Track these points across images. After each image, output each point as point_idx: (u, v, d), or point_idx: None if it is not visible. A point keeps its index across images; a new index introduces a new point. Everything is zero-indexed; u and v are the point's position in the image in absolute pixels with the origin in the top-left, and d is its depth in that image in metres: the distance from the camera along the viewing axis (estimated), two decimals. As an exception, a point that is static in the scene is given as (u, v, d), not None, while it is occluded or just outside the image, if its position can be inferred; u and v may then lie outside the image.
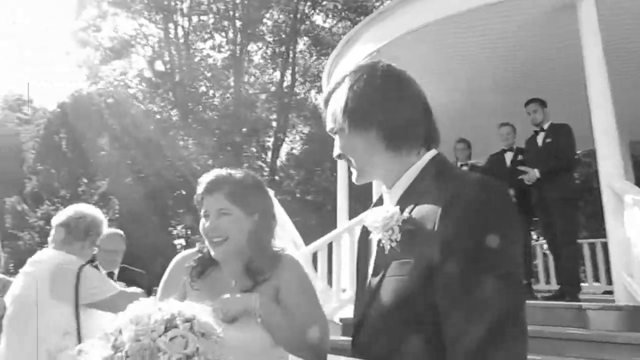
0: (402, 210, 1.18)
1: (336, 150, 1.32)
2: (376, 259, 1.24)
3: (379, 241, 1.21)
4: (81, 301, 2.62)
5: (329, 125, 1.33)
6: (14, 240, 13.80)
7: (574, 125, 5.47)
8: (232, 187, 1.71)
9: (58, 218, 2.91)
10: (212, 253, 1.71)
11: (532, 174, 5.43)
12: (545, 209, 5.47)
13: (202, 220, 1.73)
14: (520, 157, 6.03)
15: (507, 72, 6.69)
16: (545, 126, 5.63)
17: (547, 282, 8.56)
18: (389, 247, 1.17)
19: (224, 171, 1.78)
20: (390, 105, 1.24)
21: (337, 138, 1.31)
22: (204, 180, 1.75)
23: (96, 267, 3.40)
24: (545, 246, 6.55)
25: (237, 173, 1.78)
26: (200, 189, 1.74)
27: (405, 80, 1.30)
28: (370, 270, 1.26)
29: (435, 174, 1.20)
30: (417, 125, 1.26)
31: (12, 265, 12.46)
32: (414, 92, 1.29)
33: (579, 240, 7.84)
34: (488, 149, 7.69)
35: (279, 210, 1.91)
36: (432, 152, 1.26)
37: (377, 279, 1.20)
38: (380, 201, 1.36)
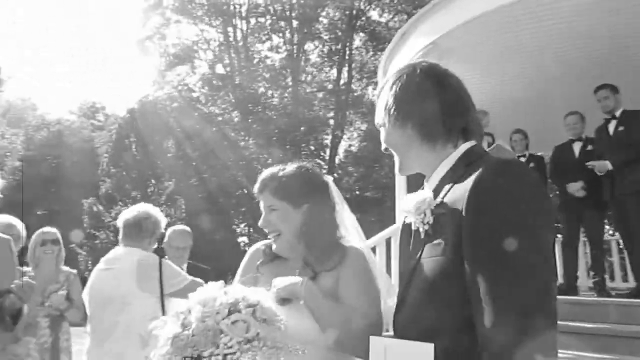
0: (435, 196, 1.25)
1: (382, 144, 1.42)
2: (413, 242, 1.32)
3: (415, 225, 1.28)
4: (165, 291, 2.93)
5: (376, 120, 1.43)
6: (92, 239, 14.70)
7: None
8: (277, 183, 1.76)
9: (127, 218, 3.17)
10: (274, 246, 1.79)
11: (603, 166, 5.18)
12: (619, 203, 5.17)
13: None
14: (589, 147, 5.75)
15: (572, 59, 6.36)
16: (617, 113, 5.32)
17: (625, 279, 8.07)
18: (422, 230, 1.24)
19: (273, 169, 1.83)
20: (424, 102, 1.32)
21: (382, 132, 1.41)
22: (258, 179, 1.83)
23: None
24: (621, 241, 6.20)
25: (285, 169, 1.81)
26: (255, 189, 1.82)
27: (442, 78, 1.37)
28: (411, 255, 1.33)
29: (468, 163, 1.25)
30: (452, 119, 1.32)
31: (90, 262, 13.29)
32: (450, 89, 1.35)
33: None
34: (550, 139, 7.38)
35: (344, 205, 1.87)
36: (469, 144, 1.32)
37: (414, 261, 1.27)
38: None
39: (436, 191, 1.27)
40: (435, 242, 1.19)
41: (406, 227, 1.42)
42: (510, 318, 1.01)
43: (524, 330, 1.00)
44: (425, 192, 1.28)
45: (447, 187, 1.24)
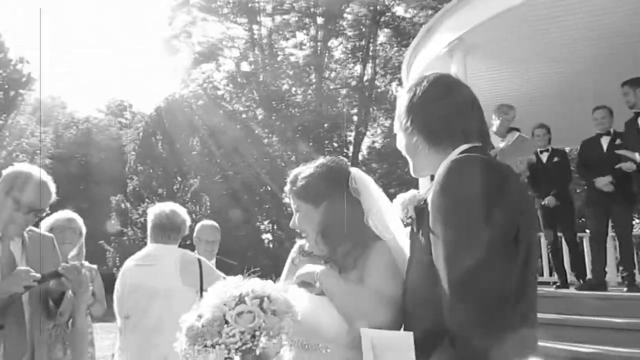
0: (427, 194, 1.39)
1: (399, 148, 1.58)
2: (410, 237, 1.48)
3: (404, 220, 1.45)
4: (204, 286, 2.99)
5: (395, 125, 1.58)
6: (119, 236, 15.00)
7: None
8: (298, 185, 1.79)
9: (158, 216, 3.25)
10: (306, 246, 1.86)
11: (629, 166, 5.13)
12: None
13: None
14: (618, 142, 5.62)
15: (599, 53, 6.23)
16: (647, 109, 5.22)
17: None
18: (413, 224, 1.40)
19: (296, 170, 1.86)
20: (430, 110, 1.45)
21: (398, 138, 1.57)
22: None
23: None
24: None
25: (308, 169, 1.82)
26: (285, 190, 1.87)
27: (448, 87, 1.50)
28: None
29: None
30: (456, 125, 1.43)
31: (118, 258, 13.58)
32: (455, 96, 1.48)
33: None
34: (577, 134, 7.23)
35: (371, 195, 1.80)
36: (466, 145, 1.40)
37: (409, 254, 1.45)
38: None
39: (429, 189, 1.40)
40: (419, 234, 1.35)
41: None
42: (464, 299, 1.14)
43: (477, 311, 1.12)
44: (414, 191, 1.45)
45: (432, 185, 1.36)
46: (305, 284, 1.67)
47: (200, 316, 1.47)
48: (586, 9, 5.28)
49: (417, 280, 1.37)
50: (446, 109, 1.45)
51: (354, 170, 1.82)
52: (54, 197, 2.52)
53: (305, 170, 1.82)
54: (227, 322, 1.42)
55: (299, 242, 1.98)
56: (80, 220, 3.72)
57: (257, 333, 1.41)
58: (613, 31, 5.73)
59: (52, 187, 2.51)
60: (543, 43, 6.03)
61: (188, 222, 3.41)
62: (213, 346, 1.40)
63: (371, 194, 1.80)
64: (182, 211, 3.38)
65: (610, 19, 5.47)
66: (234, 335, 1.39)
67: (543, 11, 5.32)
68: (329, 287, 1.62)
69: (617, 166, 5.23)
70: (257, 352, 1.43)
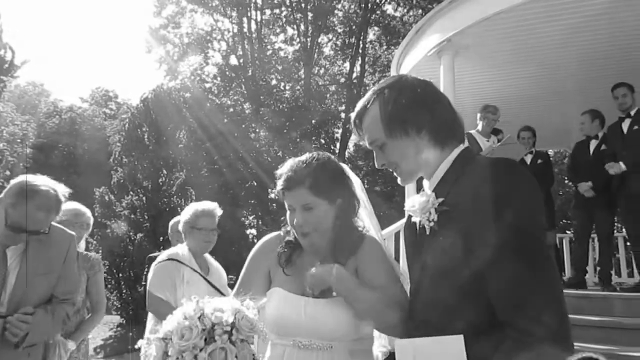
0: (437, 196, 1.36)
1: (380, 160, 1.48)
2: (419, 238, 1.42)
3: (420, 223, 1.39)
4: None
5: (369, 139, 1.48)
6: (103, 228, 14.84)
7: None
8: (313, 180, 1.67)
9: (183, 219, 3.34)
10: (302, 242, 1.75)
11: (617, 168, 5.16)
12: (628, 200, 5.19)
13: (288, 213, 1.75)
14: (603, 147, 5.72)
15: (585, 58, 6.33)
16: (632, 112, 5.30)
17: (631, 274, 8.05)
18: (428, 227, 1.35)
19: (301, 163, 1.72)
20: (432, 106, 1.42)
21: (377, 150, 1.48)
22: (282, 174, 1.72)
23: None
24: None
25: (315, 162, 1.72)
26: (279, 185, 1.71)
27: (434, 86, 1.48)
28: (417, 250, 1.44)
29: (464, 163, 1.38)
30: (456, 125, 1.45)
31: (101, 250, 13.42)
32: (444, 96, 1.47)
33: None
34: (564, 137, 7.32)
35: (360, 189, 1.85)
36: (462, 146, 1.43)
37: (423, 257, 1.38)
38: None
39: (437, 190, 1.38)
40: (442, 236, 1.30)
41: (410, 225, 1.52)
42: (552, 302, 1.15)
43: (562, 313, 1.15)
44: (428, 193, 1.39)
45: (447, 186, 1.36)
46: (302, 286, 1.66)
47: (165, 352, 1.42)
48: (571, 15, 5.36)
49: (436, 282, 1.32)
50: (447, 108, 1.45)
51: (346, 167, 1.84)
52: (49, 215, 2.49)
53: (309, 163, 1.71)
54: None
55: (266, 239, 1.90)
56: (88, 213, 3.63)
57: None
58: (597, 37, 5.83)
59: (50, 204, 2.47)
60: (529, 46, 6.11)
61: None
62: None
63: (359, 190, 1.84)
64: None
65: (594, 25, 5.56)
66: None
67: (530, 15, 5.39)
68: (344, 290, 1.59)
69: (605, 167, 5.27)
70: None
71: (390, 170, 1.49)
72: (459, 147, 1.42)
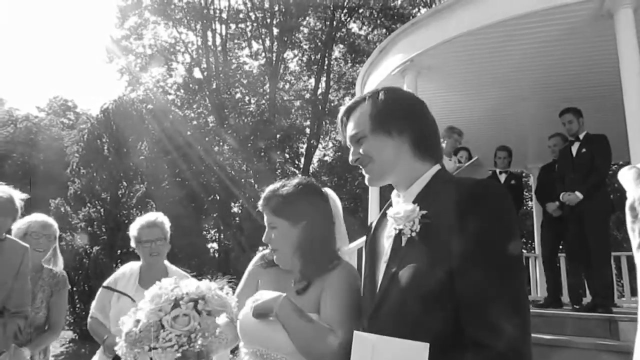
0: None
1: (355, 155, 1.48)
2: (393, 249, 1.39)
3: (399, 233, 1.36)
4: None
5: (352, 131, 1.49)
6: (58, 240, 14.30)
7: (612, 137, 5.38)
8: (276, 201, 1.79)
9: (131, 235, 3.30)
10: (273, 258, 1.85)
11: (575, 197, 5.34)
12: (579, 221, 5.38)
13: None
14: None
15: (543, 82, 6.62)
16: (581, 136, 5.56)
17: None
18: (408, 236, 1.33)
19: (273, 186, 1.87)
20: (419, 117, 1.45)
21: (354, 145, 1.48)
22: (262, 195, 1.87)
23: None
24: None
25: (285, 185, 1.84)
26: (259, 205, 1.87)
27: (425, 106, 1.50)
28: (384, 262, 1.41)
29: (443, 182, 1.39)
30: (437, 141, 1.49)
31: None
32: (432, 116, 1.49)
33: (616, 253, 7.65)
34: (523, 158, 7.54)
35: (340, 214, 1.90)
36: (439, 165, 1.45)
37: (394, 267, 1.35)
38: (389, 206, 1.52)
39: (416, 202, 1.38)
40: (420, 248, 1.30)
41: (374, 237, 1.53)
42: (514, 315, 1.16)
43: (524, 327, 1.16)
44: (412, 204, 1.37)
45: (427, 201, 1.36)
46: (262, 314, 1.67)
47: (138, 321, 1.52)
48: (526, 41, 5.60)
49: (406, 293, 1.29)
50: (432, 121, 1.48)
51: (329, 191, 1.91)
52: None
53: (281, 187, 1.83)
54: (163, 326, 1.47)
55: (260, 254, 2.00)
56: (55, 225, 3.52)
57: (193, 335, 1.47)
58: (554, 63, 6.10)
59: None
60: (489, 69, 6.33)
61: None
62: (150, 350, 1.45)
63: (340, 213, 1.90)
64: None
65: (547, 52, 5.82)
66: (170, 340, 1.45)
67: (488, 40, 5.59)
68: (286, 323, 1.60)
69: (564, 201, 5.47)
70: (197, 350, 1.48)
71: (361, 167, 1.48)
72: (437, 166, 1.44)
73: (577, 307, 5.62)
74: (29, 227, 3.36)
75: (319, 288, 1.70)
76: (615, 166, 10.35)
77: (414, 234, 1.32)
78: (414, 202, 1.37)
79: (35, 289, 3.26)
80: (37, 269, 3.35)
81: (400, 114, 1.43)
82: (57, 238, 3.55)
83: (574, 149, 5.58)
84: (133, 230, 3.29)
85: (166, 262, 3.39)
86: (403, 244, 1.34)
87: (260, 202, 1.85)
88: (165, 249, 3.31)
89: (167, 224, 3.35)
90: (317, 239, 1.77)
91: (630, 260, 8.14)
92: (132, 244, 3.33)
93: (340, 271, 1.73)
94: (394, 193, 1.51)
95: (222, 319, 1.62)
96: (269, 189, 1.87)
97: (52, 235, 3.48)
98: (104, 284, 3.30)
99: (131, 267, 3.33)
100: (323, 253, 1.76)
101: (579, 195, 5.31)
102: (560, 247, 6.58)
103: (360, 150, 1.46)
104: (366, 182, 1.50)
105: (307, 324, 1.60)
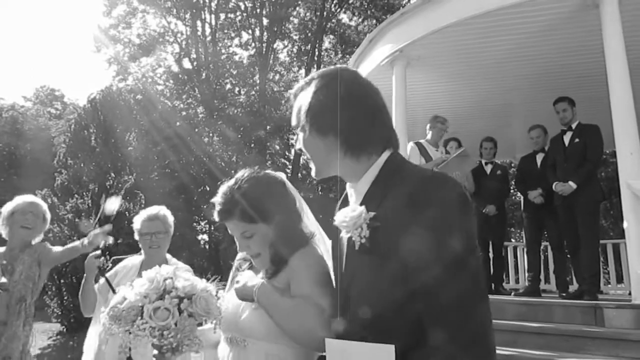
0: (367, 209, 1.27)
1: (298, 145, 1.44)
2: (348, 254, 1.34)
3: (349, 238, 1.30)
4: None
5: (294, 121, 1.44)
6: (45, 232, 14.16)
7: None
8: (242, 209, 1.64)
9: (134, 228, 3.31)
10: (254, 263, 1.75)
11: (568, 188, 5.37)
12: (569, 209, 5.44)
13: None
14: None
15: (530, 73, 6.65)
16: (573, 126, 5.57)
17: (547, 281, 8.47)
18: (359, 243, 1.26)
19: (229, 191, 1.69)
20: (349, 115, 1.32)
21: (300, 136, 1.42)
22: (216, 204, 1.70)
23: None
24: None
25: (244, 185, 1.68)
26: (215, 215, 1.69)
27: (364, 90, 1.38)
28: (344, 262, 1.37)
29: (392, 173, 1.31)
30: (374, 132, 1.35)
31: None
32: (372, 101, 1.37)
33: (602, 241, 7.75)
34: (511, 148, 7.57)
35: (299, 196, 1.82)
36: (387, 153, 1.35)
37: (351, 272, 1.33)
38: (346, 197, 1.46)
39: (366, 203, 1.30)
40: (372, 253, 1.24)
41: (339, 239, 1.45)
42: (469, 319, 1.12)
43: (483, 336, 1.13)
44: (359, 207, 1.29)
45: (376, 198, 1.28)
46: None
47: (125, 298, 1.51)
48: (514, 31, 5.63)
49: (362, 300, 1.27)
50: (368, 112, 1.35)
51: (283, 176, 1.83)
52: None
53: (237, 190, 1.67)
54: (142, 314, 1.47)
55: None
56: (44, 206, 3.53)
57: (166, 332, 1.45)
58: (542, 53, 6.13)
59: None
60: (477, 59, 6.35)
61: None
62: (125, 333, 1.48)
63: (298, 194, 1.83)
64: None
65: (535, 42, 5.85)
66: (144, 330, 1.45)
67: (476, 30, 5.61)
68: (269, 307, 1.58)
69: (555, 189, 5.49)
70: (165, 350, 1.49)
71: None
72: (384, 156, 1.35)
73: (564, 294, 5.69)
74: (16, 205, 3.40)
75: (286, 273, 1.66)
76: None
77: (364, 240, 1.25)
78: (362, 203, 1.30)
79: (15, 264, 3.28)
80: (23, 247, 3.38)
81: (328, 112, 1.32)
82: (46, 220, 3.56)
83: (567, 139, 5.59)
84: (136, 222, 3.32)
85: (168, 256, 3.41)
86: (356, 248, 1.28)
87: (220, 214, 1.67)
88: (166, 242, 3.35)
89: (170, 217, 3.39)
90: (291, 228, 1.71)
91: (616, 248, 8.28)
92: (136, 236, 3.35)
93: (303, 256, 1.67)
94: (348, 184, 1.44)
95: (207, 324, 1.59)
96: (224, 196, 1.69)
97: (40, 214, 3.49)
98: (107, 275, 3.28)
99: (132, 260, 3.36)
100: (296, 242, 1.70)
101: (572, 185, 5.34)
102: (545, 235, 6.66)
103: (300, 143, 1.41)
104: (312, 174, 1.46)
105: (290, 301, 1.57)
